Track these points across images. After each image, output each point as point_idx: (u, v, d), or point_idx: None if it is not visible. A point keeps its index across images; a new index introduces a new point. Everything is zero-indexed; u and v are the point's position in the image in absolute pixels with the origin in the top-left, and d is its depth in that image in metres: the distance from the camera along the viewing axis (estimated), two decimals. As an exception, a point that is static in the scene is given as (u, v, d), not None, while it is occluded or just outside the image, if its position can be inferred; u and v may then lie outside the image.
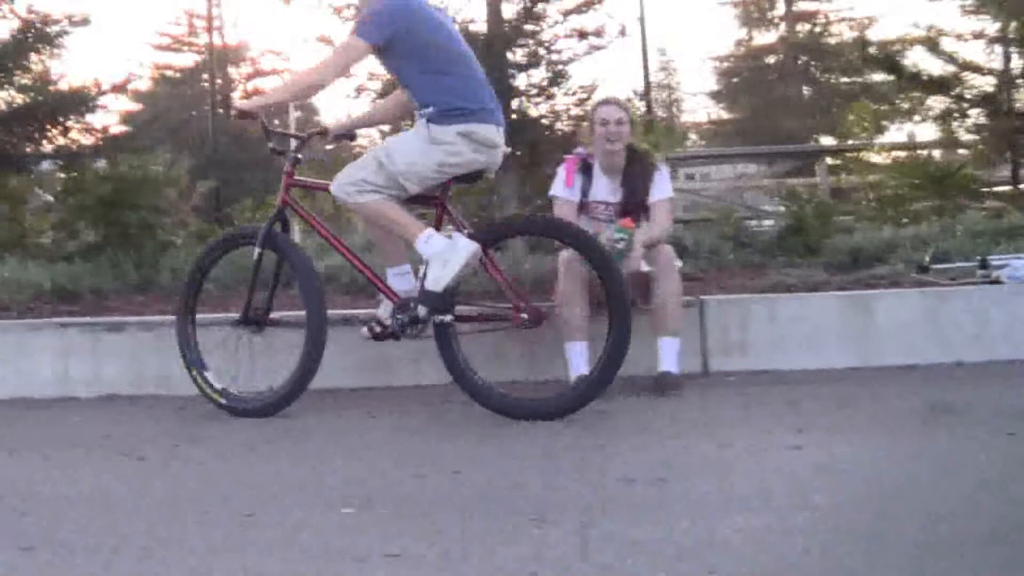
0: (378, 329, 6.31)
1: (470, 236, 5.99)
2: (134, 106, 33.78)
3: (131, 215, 10.29)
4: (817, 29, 43.09)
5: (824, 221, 9.88)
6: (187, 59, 42.21)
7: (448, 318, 6.11)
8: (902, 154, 14.19)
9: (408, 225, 6.05)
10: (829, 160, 18.69)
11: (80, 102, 11.03)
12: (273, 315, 6.68)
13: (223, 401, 6.46)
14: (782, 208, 15.35)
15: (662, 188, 6.90)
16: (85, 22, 11.08)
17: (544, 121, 10.82)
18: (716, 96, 45.54)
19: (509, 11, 10.63)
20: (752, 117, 41.59)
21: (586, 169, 6.94)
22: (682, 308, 6.72)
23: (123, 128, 12.11)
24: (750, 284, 8.18)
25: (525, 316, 6.05)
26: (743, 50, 44.85)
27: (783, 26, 43.53)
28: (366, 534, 3.86)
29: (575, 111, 10.92)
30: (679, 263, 6.81)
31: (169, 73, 41.81)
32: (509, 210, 10.48)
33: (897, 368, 6.95)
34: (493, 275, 6.24)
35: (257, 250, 6.47)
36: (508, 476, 4.74)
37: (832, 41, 42.27)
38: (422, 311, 6.08)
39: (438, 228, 6.14)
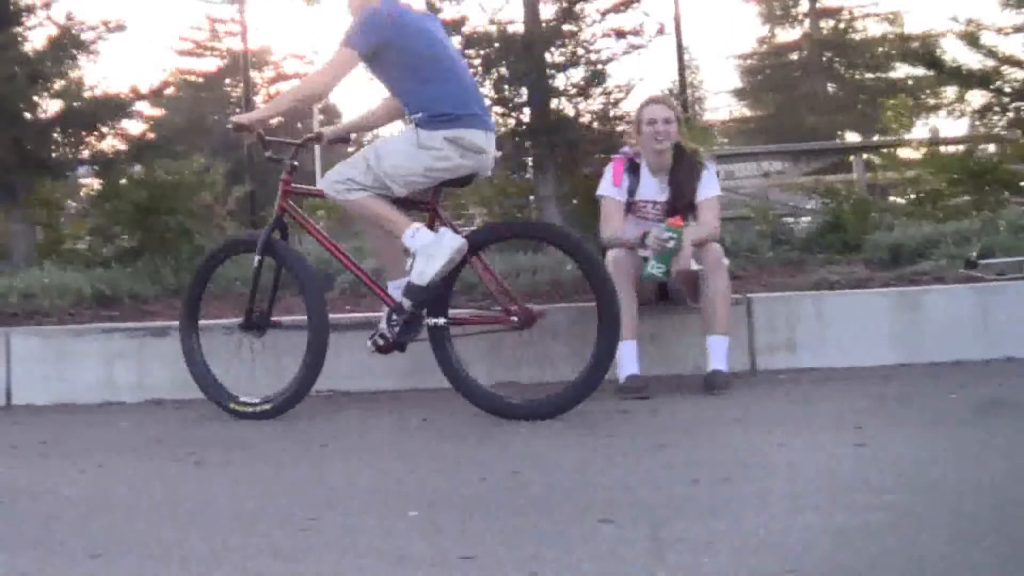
0: (381, 342, 6.32)
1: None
2: (153, 111, 33.83)
3: (168, 220, 10.31)
4: (841, 25, 42.95)
5: (863, 217, 9.83)
6: (209, 64, 42.35)
7: (442, 321, 6.18)
8: (940, 149, 14.14)
9: (395, 221, 6.10)
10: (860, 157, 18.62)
11: (117, 108, 11.04)
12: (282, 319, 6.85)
13: (229, 405, 6.55)
14: (810, 205, 15.36)
15: (710, 186, 6.87)
16: (120, 28, 11.11)
17: (582, 121, 10.76)
18: (739, 94, 45.43)
19: (547, 11, 10.58)
20: (776, 114, 41.54)
21: (633, 168, 6.91)
22: (731, 306, 6.68)
23: (152, 133, 11.83)
24: (791, 282, 8.14)
25: (515, 319, 6.13)
26: (766, 47, 44.75)
27: (807, 22, 43.40)
28: (437, 537, 3.84)
29: (613, 111, 10.87)
30: (726, 261, 6.77)
31: (191, 78, 41.93)
32: (548, 211, 10.44)
33: (947, 364, 6.89)
34: (483, 278, 6.34)
35: (257, 257, 6.54)
36: (569, 476, 4.72)
37: (857, 37, 42.17)
38: (406, 303, 6.14)
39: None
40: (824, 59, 42.49)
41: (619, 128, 10.75)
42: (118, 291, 8.71)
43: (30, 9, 10.99)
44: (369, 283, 6.52)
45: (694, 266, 6.53)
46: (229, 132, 6.58)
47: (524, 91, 10.65)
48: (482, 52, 10.56)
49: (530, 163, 11.01)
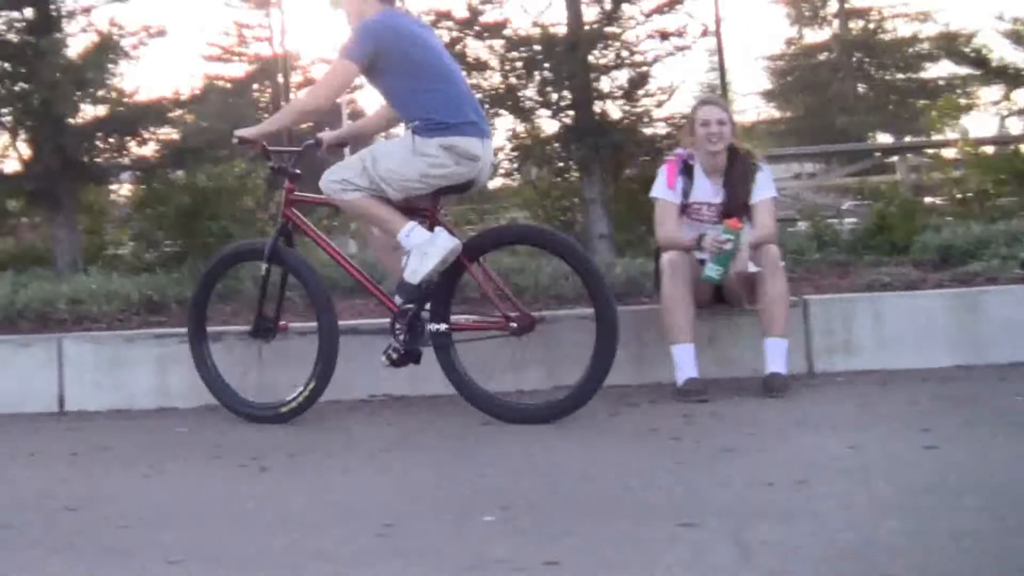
0: (395, 355, 6.32)
1: (461, 246, 6.13)
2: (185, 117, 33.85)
3: (211, 225, 10.28)
4: (871, 25, 42.77)
5: (910, 218, 9.76)
6: (238, 69, 42.37)
7: (444, 327, 6.22)
8: (987, 149, 14.03)
9: (391, 220, 6.16)
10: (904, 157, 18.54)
11: (158, 114, 11.03)
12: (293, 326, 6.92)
13: (242, 408, 6.66)
14: (845, 206, 15.26)
15: (765, 188, 6.82)
16: (161, 33, 11.09)
17: (626, 123, 10.71)
18: (768, 95, 45.25)
19: (590, 14, 10.53)
20: (806, 115, 41.35)
21: (687, 170, 6.87)
22: (789, 308, 6.63)
23: (192, 139, 11.78)
24: (841, 284, 8.07)
25: (514, 324, 6.17)
26: (794, 48, 44.59)
27: (836, 23, 43.23)
28: (517, 541, 3.84)
29: (656, 112, 10.84)
30: (782, 263, 6.73)
31: (220, 83, 41.93)
32: (594, 213, 10.39)
33: (1007, 365, 6.81)
34: (482, 284, 6.38)
35: (264, 265, 6.61)
36: (640, 480, 4.69)
37: (887, 37, 42.01)
38: (397, 299, 6.22)
39: None
40: (854, 60, 42.30)
41: (663, 130, 10.68)
42: (165, 296, 8.67)
43: (71, 14, 10.97)
44: (372, 289, 6.57)
45: (751, 268, 6.49)
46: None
47: (567, 93, 10.58)
48: (524, 55, 10.50)
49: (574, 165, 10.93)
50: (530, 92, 10.69)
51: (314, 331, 6.52)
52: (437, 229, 6.12)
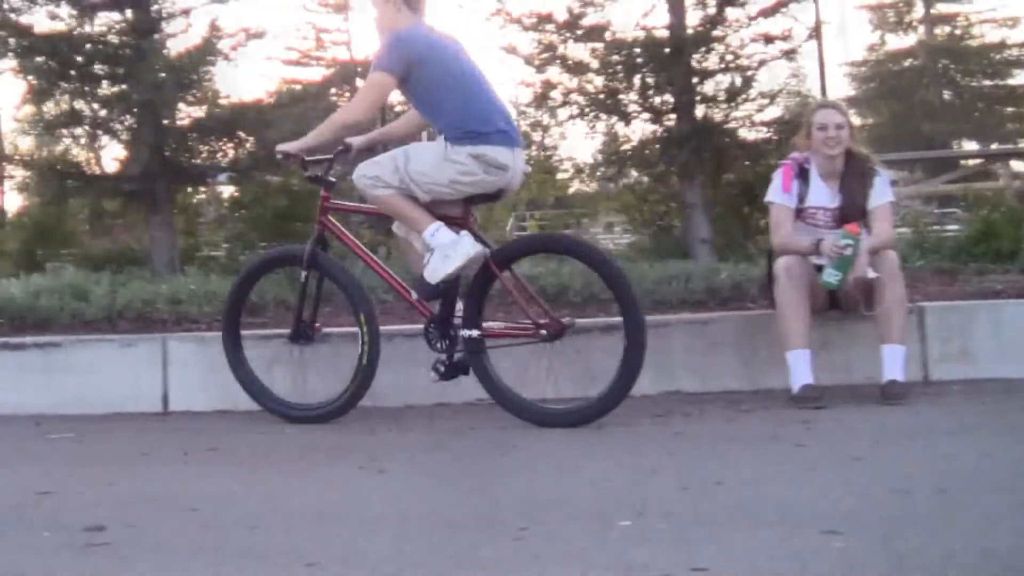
0: (442, 368, 6.41)
1: (491, 254, 6.24)
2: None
3: (306, 227, 10.27)
4: (957, 31, 42.33)
5: (1017, 225, 9.58)
6: (315, 73, 42.47)
7: (476, 333, 6.28)
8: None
9: (418, 219, 6.24)
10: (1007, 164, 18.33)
11: (257, 115, 11.05)
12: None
13: (283, 409, 6.81)
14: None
15: (883, 192, 6.71)
16: (260, 35, 11.14)
17: (729, 127, 10.61)
18: (852, 102, 44.83)
19: (693, 17, 10.44)
20: (891, 122, 40.95)
21: (803, 174, 6.77)
22: (907, 315, 6.52)
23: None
24: (950, 291, 7.93)
25: (544, 332, 6.19)
26: (878, 55, 44.19)
27: (921, 29, 42.82)
28: (658, 547, 3.74)
29: (758, 116, 10.72)
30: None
31: (297, 87, 42.05)
32: (695, 218, 10.30)
33: None
34: (513, 292, 6.38)
35: (303, 272, 6.73)
36: (773, 487, 4.61)
37: (973, 43, 41.55)
38: (413, 295, 6.39)
39: None
40: (940, 66, 41.88)
41: (766, 135, 10.59)
42: (263, 297, 8.66)
43: (170, 16, 11.02)
44: (405, 296, 6.64)
45: (870, 274, 6.37)
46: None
47: (669, 97, 10.50)
48: (626, 58, 10.41)
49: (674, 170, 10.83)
50: (631, 96, 10.60)
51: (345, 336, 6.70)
52: (463, 233, 6.19)
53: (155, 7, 10.84)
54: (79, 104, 10.97)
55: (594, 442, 5.79)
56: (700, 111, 10.55)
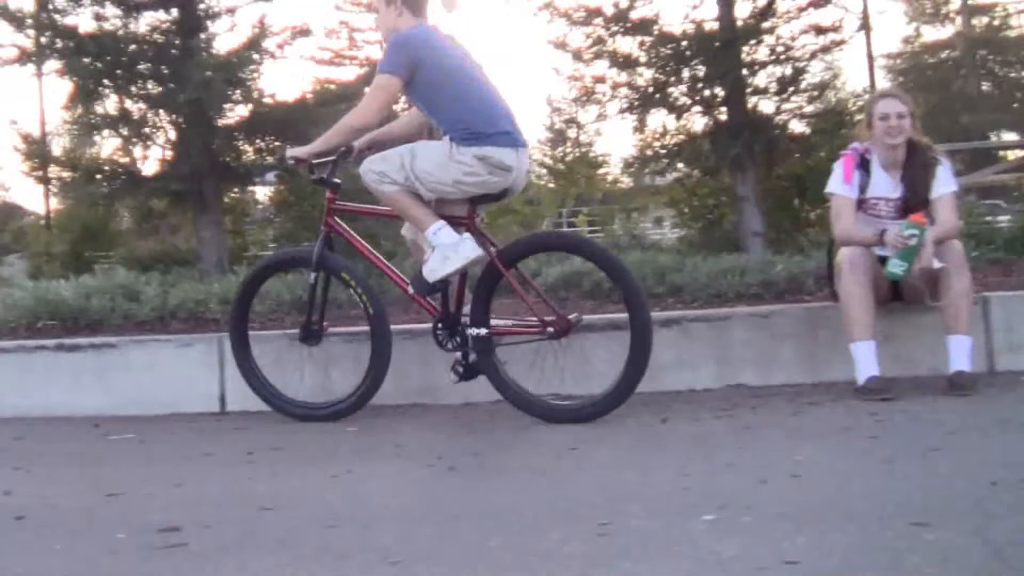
0: (461, 369, 6.52)
1: (496, 254, 6.32)
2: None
3: (351, 224, 10.25)
4: (995, 22, 42.01)
5: (1073, 216, 9.51)
6: (348, 73, 42.41)
7: (484, 331, 6.34)
8: None
9: (422, 217, 6.30)
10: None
11: (303, 114, 11.03)
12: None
13: (293, 408, 6.91)
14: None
15: (946, 182, 6.62)
16: (306, 33, 11.12)
17: (779, 120, 10.55)
18: (889, 94, 44.53)
19: (742, 9, 10.40)
20: (928, 114, 40.57)
21: (864, 164, 6.69)
22: (973, 306, 6.44)
23: None
24: (1009, 281, 7.86)
25: (552, 329, 6.25)
26: (914, 47, 43.89)
27: (959, 20, 42.51)
28: (746, 541, 3.70)
29: (807, 108, 10.65)
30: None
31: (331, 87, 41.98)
32: (747, 212, 10.24)
33: None
34: (518, 291, 6.48)
35: (312, 274, 6.82)
36: (854, 480, 4.55)
37: (1012, 34, 41.23)
38: (411, 289, 6.45)
39: None
40: (977, 57, 41.57)
41: (816, 127, 10.52)
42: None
43: (215, 15, 11.01)
44: (411, 295, 6.65)
45: (936, 264, 6.29)
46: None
47: (719, 90, 10.44)
48: (674, 51, 10.36)
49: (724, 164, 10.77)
50: (680, 90, 10.55)
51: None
52: (465, 235, 6.25)
53: (201, 6, 10.81)
54: (126, 104, 10.94)
55: (662, 437, 5.74)
56: (750, 103, 10.47)
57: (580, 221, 19.71)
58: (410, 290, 6.47)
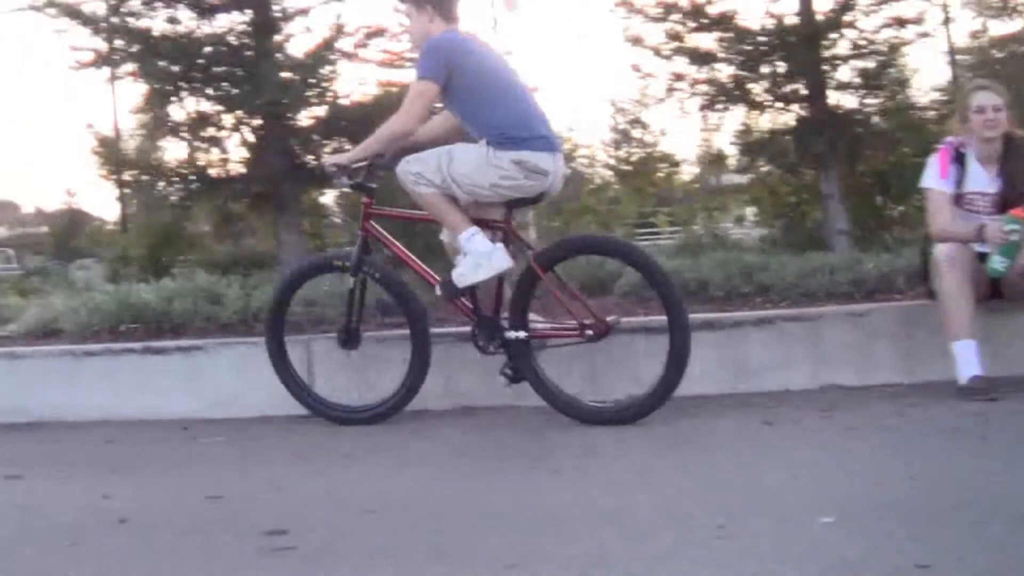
0: (510, 372, 6.47)
1: (533, 257, 6.32)
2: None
3: (428, 227, 10.20)
4: (1071, 12, 41.53)
5: None
6: (410, 74, 42.33)
7: (523, 334, 6.35)
8: None
9: (455, 221, 6.34)
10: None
11: (378, 116, 10.96)
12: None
13: (334, 412, 6.91)
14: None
15: (1046, 175, 6.50)
16: (381, 33, 11.07)
17: (860, 116, 10.41)
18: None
19: (821, 2, 10.28)
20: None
21: (959, 158, 6.58)
22: (1080, 303, 6.33)
23: None
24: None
25: (590, 332, 6.26)
26: (981, 42, 43.46)
27: (1029, 13, 42.02)
28: (869, 544, 3.64)
29: (890, 104, 10.51)
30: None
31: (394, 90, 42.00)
32: (832, 209, 10.14)
33: None
34: (556, 294, 6.43)
35: (351, 278, 6.83)
36: (973, 482, 4.45)
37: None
38: (438, 290, 6.47)
39: None
40: (1053, 49, 41.10)
41: (900, 123, 10.39)
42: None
43: (289, 16, 10.99)
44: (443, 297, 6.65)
45: (1042, 260, 6.18)
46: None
47: (799, 86, 10.33)
48: (753, 46, 10.27)
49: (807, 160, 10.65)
50: (761, 87, 10.46)
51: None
52: (498, 245, 6.27)
53: (277, 6, 10.80)
54: (203, 106, 10.95)
55: (766, 439, 5.64)
56: (832, 99, 10.35)
57: (660, 221, 19.61)
58: (438, 291, 6.47)
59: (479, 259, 6.19)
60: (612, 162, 45.57)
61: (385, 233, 6.89)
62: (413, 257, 6.83)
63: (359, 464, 5.68)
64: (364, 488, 5.10)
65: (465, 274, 6.24)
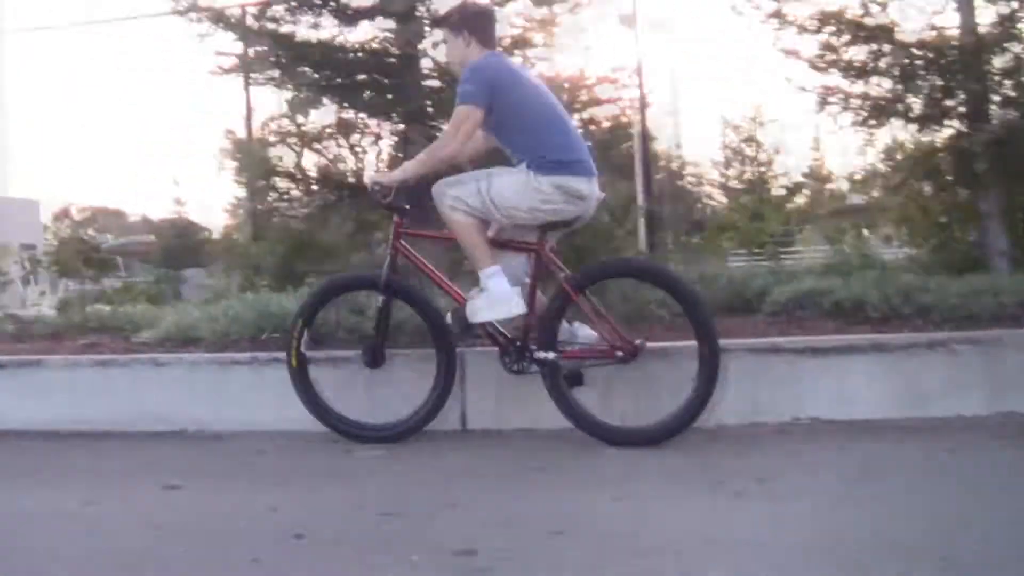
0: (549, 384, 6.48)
1: (566, 279, 6.36)
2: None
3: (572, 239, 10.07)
4: None
5: None
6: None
7: (552, 355, 6.39)
8: None
9: (481, 257, 6.41)
10: None
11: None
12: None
13: (358, 431, 6.88)
14: None
15: None
16: (527, 42, 11.01)
17: (1024, 134, 10.10)
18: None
19: (985, 16, 9.97)
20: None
21: None
22: None
23: None
24: None
25: (620, 353, 6.34)
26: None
27: None
28: None
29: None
30: None
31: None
32: (992, 229, 9.85)
33: None
34: (589, 316, 6.45)
35: (381, 297, 6.84)
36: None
37: None
38: (449, 318, 6.63)
39: (534, 278, 6.49)
40: None
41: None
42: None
43: (438, 22, 10.95)
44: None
45: None
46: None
47: (958, 101, 10.04)
48: (911, 59, 9.99)
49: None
50: (919, 101, 10.18)
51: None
52: (516, 289, 6.36)
53: (422, 12, 10.73)
54: (345, 113, 10.94)
55: (944, 466, 5.46)
56: (995, 115, 10.03)
57: (805, 239, 19.35)
58: (448, 319, 6.61)
59: (495, 300, 6.30)
60: (721, 180, 45.35)
61: (415, 252, 6.89)
62: (442, 276, 6.84)
63: (534, 484, 5.53)
64: (545, 507, 4.96)
65: (478, 311, 6.35)
